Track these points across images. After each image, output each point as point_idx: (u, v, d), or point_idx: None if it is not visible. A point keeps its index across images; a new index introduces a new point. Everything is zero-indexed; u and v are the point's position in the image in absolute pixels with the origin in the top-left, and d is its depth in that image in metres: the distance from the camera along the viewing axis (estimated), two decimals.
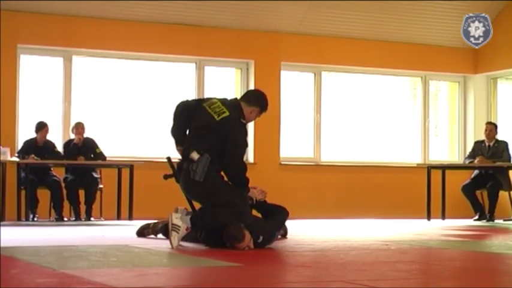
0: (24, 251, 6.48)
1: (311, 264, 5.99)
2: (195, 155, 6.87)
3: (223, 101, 7.12)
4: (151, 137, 12.93)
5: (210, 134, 6.95)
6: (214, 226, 6.86)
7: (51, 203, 11.44)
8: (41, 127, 11.50)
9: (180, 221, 6.79)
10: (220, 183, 7.00)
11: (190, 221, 6.86)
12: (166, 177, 7.25)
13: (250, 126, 13.12)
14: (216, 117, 6.98)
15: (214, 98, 7.19)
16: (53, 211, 11.41)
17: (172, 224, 6.77)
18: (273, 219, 7.19)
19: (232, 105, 7.10)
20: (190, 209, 7.19)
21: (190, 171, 6.88)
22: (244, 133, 7.22)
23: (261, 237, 6.83)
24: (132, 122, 12.92)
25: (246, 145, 7.26)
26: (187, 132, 7.16)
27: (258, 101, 7.26)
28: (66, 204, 11.48)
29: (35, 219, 11.21)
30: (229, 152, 6.94)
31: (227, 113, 6.99)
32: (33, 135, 11.54)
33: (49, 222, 11.04)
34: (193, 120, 7.12)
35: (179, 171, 7.12)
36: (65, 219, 11.31)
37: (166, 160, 7.30)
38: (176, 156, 7.23)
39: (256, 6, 13.04)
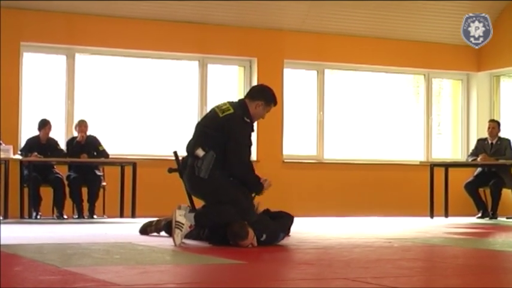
0: (27, 248, 6.50)
1: (314, 261, 6.00)
2: (200, 152, 6.89)
3: (231, 102, 7.22)
4: (154, 134, 12.93)
5: (214, 132, 6.97)
6: (218, 224, 6.86)
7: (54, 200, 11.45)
8: (44, 125, 11.50)
9: (183, 219, 6.80)
10: (224, 181, 7.00)
11: (194, 219, 6.87)
12: (170, 170, 7.28)
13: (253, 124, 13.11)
14: (220, 114, 7.04)
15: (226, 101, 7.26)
16: (55, 209, 11.41)
17: (175, 221, 6.78)
18: (279, 221, 7.18)
19: (238, 104, 7.18)
20: (191, 206, 7.19)
21: (195, 167, 6.89)
22: (248, 132, 7.20)
23: (264, 235, 6.83)
24: (135, 119, 12.92)
25: (250, 144, 7.24)
26: (194, 130, 7.22)
27: (261, 94, 7.28)
28: (68, 202, 11.48)
29: (38, 216, 11.21)
30: (231, 150, 6.96)
31: (231, 111, 7.05)
32: (36, 132, 11.54)
33: (52, 220, 11.05)
34: (201, 120, 7.27)
35: (184, 167, 7.13)
36: (65, 216, 11.28)
37: (173, 154, 7.32)
38: (183, 152, 7.25)
39: (260, 4, 13.03)
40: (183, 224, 6.79)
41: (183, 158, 7.20)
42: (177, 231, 6.77)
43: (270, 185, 7.30)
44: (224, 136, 6.96)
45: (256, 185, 7.15)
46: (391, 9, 13.65)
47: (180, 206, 6.96)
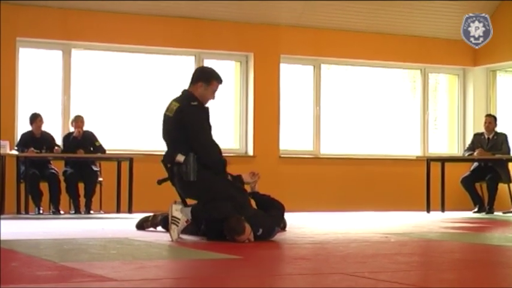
0: (24, 244, 6.49)
1: (311, 256, 6.00)
2: (180, 157, 6.87)
3: (175, 98, 7.16)
4: (151, 130, 12.90)
5: (174, 134, 6.96)
6: (214, 218, 6.85)
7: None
8: (34, 118, 11.48)
9: (179, 214, 6.80)
10: (215, 178, 6.98)
11: (191, 214, 6.87)
12: (160, 182, 7.21)
13: (250, 119, 13.15)
14: (171, 114, 7.01)
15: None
16: (51, 204, 11.39)
17: (172, 216, 6.78)
18: (271, 215, 7.17)
19: (182, 95, 7.13)
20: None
21: (182, 174, 6.87)
22: (201, 114, 7.06)
23: (260, 230, 6.83)
24: (131, 115, 12.91)
25: (207, 126, 7.08)
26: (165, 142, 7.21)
27: (199, 75, 7.22)
28: (65, 197, 11.48)
29: (41, 211, 11.21)
30: (192, 137, 6.90)
31: (178, 105, 7.00)
32: (29, 128, 11.52)
33: (49, 215, 11.05)
34: (163, 131, 7.19)
35: (172, 176, 7.09)
36: (62, 212, 11.29)
37: (162, 163, 7.26)
38: None
39: None
40: (179, 219, 6.79)
41: (170, 167, 7.14)
42: (173, 226, 6.77)
43: (255, 177, 7.34)
44: (184, 132, 6.92)
45: (222, 171, 7.04)
46: (388, 4, 13.64)
47: (175, 201, 6.96)
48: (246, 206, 7.00)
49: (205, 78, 7.13)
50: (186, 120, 6.93)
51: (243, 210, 6.90)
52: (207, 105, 7.17)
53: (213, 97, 7.20)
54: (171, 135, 7.05)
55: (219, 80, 7.17)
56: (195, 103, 7.03)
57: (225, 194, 6.91)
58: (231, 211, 6.82)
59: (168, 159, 7.07)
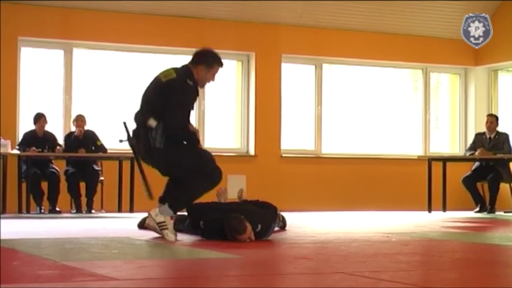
0: (25, 243, 6.49)
1: (312, 256, 6.00)
2: (152, 122, 6.87)
3: (175, 67, 7.13)
4: None
5: (157, 96, 6.92)
6: (214, 218, 6.84)
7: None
8: (38, 118, 11.49)
9: (162, 217, 6.81)
10: (182, 147, 6.97)
11: (170, 208, 6.85)
12: (121, 141, 7.26)
13: (251, 118, 13.15)
14: (163, 79, 7.00)
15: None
16: (49, 202, 11.38)
17: (157, 223, 6.79)
18: (266, 212, 7.19)
19: (181, 69, 7.10)
20: (142, 180, 7.16)
21: (149, 138, 6.86)
22: (190, 94, 7.07)
23: (259, 226, 6.82)
24: (132, 114, 12.87)
25: (190, 105, 7.09)
26: (141, 100, 7.19)
27: (202, 58, 7.16)
28: (66, 197, 11.48)
29: (42, 210, 11.21)
30: (169, 107, 6.86)
31: (174, 75, 6.98)
32: (32, 127, 11.53)
33: (50, 215, 11.05)
34: (146, 89, 7.19)
35: (136, 138, 7.07)
36: (57, 209, 11.27)
37: (122, 124, 7.24)
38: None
39: None
40: (164, 222, 6.79)
41: (134, 130, 7.16)
42: (164, 231, 6.77)
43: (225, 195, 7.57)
44: (167, 101, 6.89)
45: (188, 139, 7.06)
46: (389, 3, 13.64)
47: (149, 211, 6.98)
48: (215, 170, 6.96)
49: (207, 63, 7.12)
50: (175, 93, 6.90)
51: (213, 176, 6.90)
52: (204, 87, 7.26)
53: (213, 79, 7.24)
54: (152, 96, 6.99)
55: (220, 64, 7.18)
56: (191, 83, 7.03)
57: (192, 163, 6.89)
58: (203, 185, 6.85)
59: (139, 118, 7.05)
